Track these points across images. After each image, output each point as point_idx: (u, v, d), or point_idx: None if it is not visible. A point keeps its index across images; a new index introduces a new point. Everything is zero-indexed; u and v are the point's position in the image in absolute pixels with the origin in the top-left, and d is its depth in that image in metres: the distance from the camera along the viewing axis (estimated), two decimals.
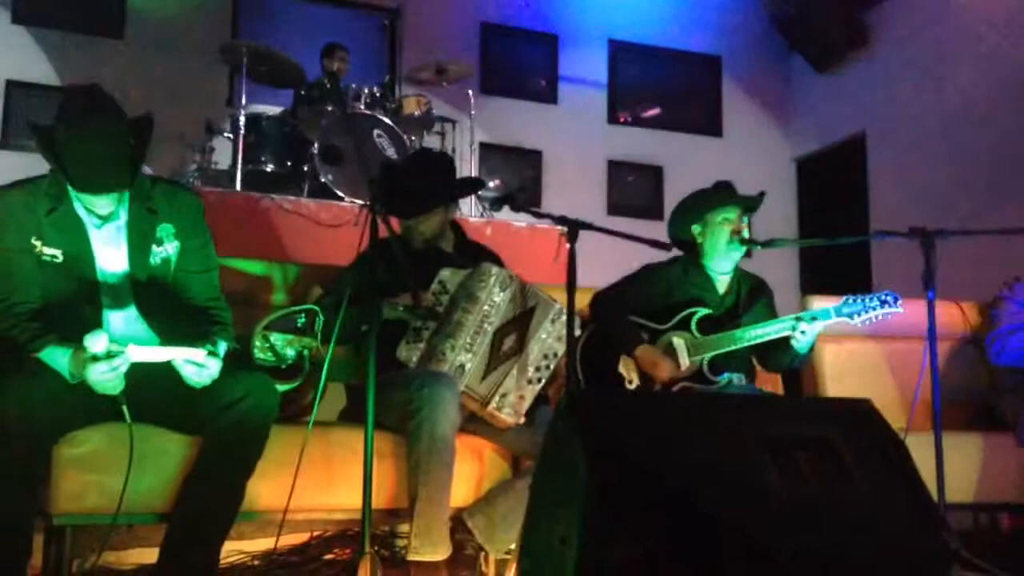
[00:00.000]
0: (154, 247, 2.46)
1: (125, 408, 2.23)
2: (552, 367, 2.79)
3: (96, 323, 2.36)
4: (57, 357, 2.23)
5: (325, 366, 2.46)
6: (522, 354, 2.75)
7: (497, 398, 2.71)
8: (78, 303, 2.36)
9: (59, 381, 2.21)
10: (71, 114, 2.30)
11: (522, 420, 2.73)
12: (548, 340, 2.78)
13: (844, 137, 7.99)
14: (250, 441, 2.33)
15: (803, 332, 2.99)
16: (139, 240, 2.45)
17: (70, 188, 2.36)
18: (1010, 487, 3.29)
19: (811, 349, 3.12)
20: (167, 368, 2.29)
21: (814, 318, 3.02)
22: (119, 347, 2.20)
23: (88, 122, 2.29)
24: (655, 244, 2.71)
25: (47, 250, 2.33)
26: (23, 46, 6.91)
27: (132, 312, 2.45)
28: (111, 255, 2.42)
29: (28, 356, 2.24)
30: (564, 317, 2.74)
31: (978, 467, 3.24)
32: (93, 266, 2.39)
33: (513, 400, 2.72)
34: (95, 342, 2.16)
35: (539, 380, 2.76)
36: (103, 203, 2.37)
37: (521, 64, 8.41)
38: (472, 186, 3.12)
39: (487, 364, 2.73)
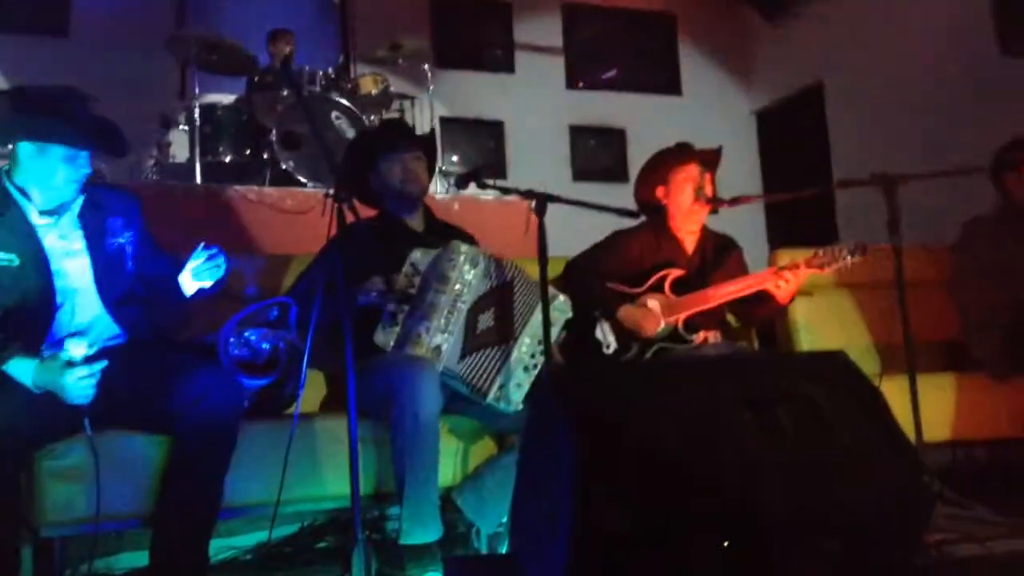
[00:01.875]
0: (109, 237, 2.47)
1: (87, 421, 2.22)
2: (546, 352, 2.79)
3: (61, 323, 2.35)
4: (22, 368, 2.20)
5: (304, 358, 2.45)
6: (517, 343, 2.75)
7: (496, 389, 2.70)
8: (37, 306, 2.33)
9: (26, 393, 2.19)
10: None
11: (520, 407, 2.73)
12: (541, 328, 2.77)
13: (801, 88, 8.02)
14: (218, 437, 2.32)
15: (786, 281, 3.02)
16: (94, 231, 2.45)
17: (11, 188, 2.35)
18: (985, 423, 3.36)
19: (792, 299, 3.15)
20: (130, 372, 2.29)
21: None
22: (94, 351, 2.19)
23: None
24: (623, 212, 2.72)
25: (1, 255, 2.30)
26: None
27: (96, 305, 2.43)
28: (67, 250, 2.41)
29: None
30: (560, 297, 2.76)
31: (953, 406, 3.31)
32: (49, 265, 2.36)
33: (511, 390, 2.72)
34: (76, 346, 2.15)
35: (535, 367, 2.76)
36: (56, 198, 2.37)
37: (476, 35, 8.33)
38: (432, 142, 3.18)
39: (464, 343, 2.73)
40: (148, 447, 2.38)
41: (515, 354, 2.74)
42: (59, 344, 2.31)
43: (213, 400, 2.27)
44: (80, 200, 2.45)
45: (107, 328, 2.46)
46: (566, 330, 2.94)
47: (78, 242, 2.44)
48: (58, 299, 2.36)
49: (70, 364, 2.17)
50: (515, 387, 2.72)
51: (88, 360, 2.18)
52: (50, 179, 2.36)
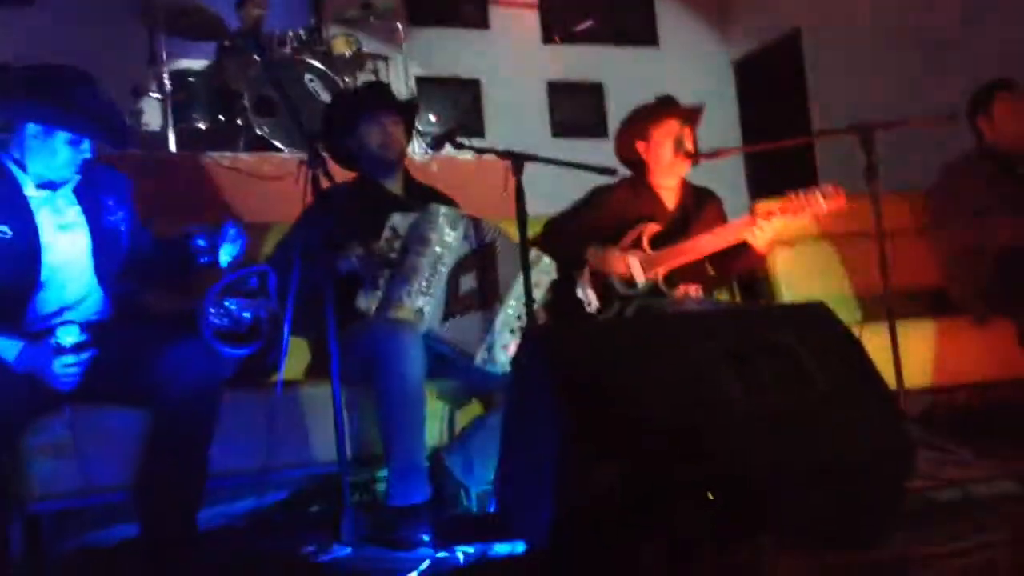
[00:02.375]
0: (105, 214, 2.48)
1: (67, 405, 2.24)
2: (529, 313, 2.79)
3: (46, 299, 2.34)
4: (5, 347, 2.19)
5: (286, 326, 2.44)
6: (502, 305, 2.75)
7: (483, 352, 2.71)
8: (23, 280, 2.31)
9: (4, 371, 2.18)
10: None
11: (508, 368, 2.72)
12: (535, 293, 2.77)
13: (779, 36, 7.95)
14: (198, 408, 2.31)
15: (761, 229, 3.01)
16: (91, 207, 2.45)
17: (8, 161, 2.35)
18: (966, 367, 3.40)
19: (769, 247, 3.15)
20: (110, 346, 2.29)
21: None
22: (83, 339, 2.18)
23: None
24: (601, 171, 2.71)
25: None
26: None
27: (87, 281, 2.43)
28: (61, 224, 2.40)
29: None
30: (544, 260, 2.76)
31: (934, 352, 3.34)
32: (39, 239, 2.34)
33: (498, 352, 2.73)
34: (67, 333, 2.14)
35: (521, 328, 2.77)
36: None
37: None
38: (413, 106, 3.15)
39: (446, 305, 2.73)
40: (130, 420, 2.37)
41: (501, 316, 2.75)
42: (43, 321, 2.30)
43: (192, 371, 2.27)
44: (77, 177, 2.44)
45: (95, 304, 2.45)
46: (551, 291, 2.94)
47: (75, 217, 2.44)
48: (43, 275, 2.34)
49: (59, 350, 2.16)
50: (501, 349, 2.73)
51: (77, 347, 2.18)
52: (51, 159, 2.35)
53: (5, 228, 2.29)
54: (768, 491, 1.77)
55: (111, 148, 2.60)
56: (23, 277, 2.31)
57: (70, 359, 2.17)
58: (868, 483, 1.88)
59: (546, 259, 2.82)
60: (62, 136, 2.33)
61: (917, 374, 3.17)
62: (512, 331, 2.75)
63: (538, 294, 2.78)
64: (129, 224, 2.57)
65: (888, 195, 2.94)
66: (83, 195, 2.47)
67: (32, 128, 2.33)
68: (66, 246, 2.40)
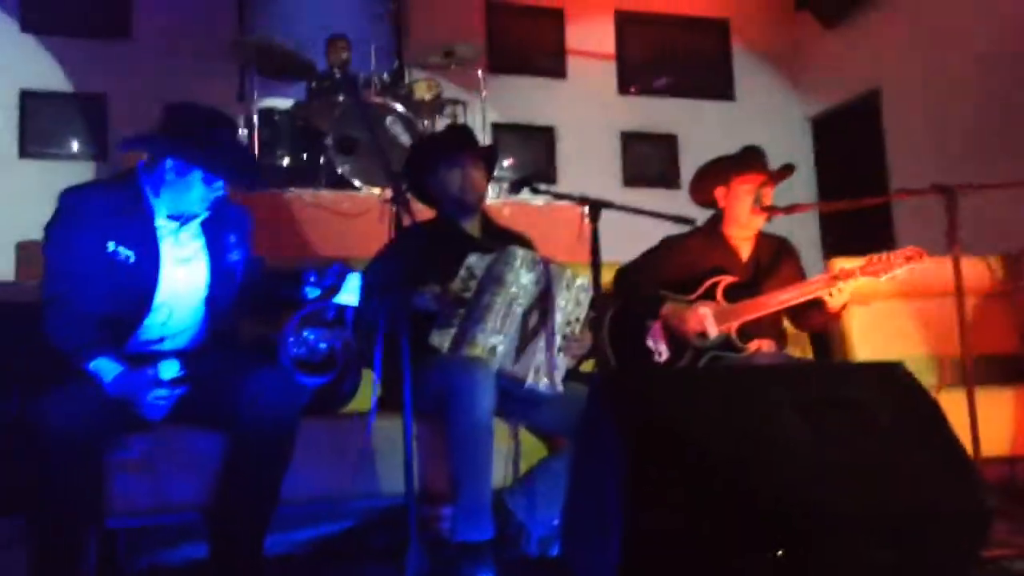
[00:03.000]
0: (226, 252, 2.57)
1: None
2: (576, 331, 2.80)
3: (150, 327, 2.43)
4: (107, 369, 2.27)
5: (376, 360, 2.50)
6: (547, 326, 2.77)
7: (532, 373, 2.73)
8: (135, 307, 2.40)
9: (99, 390, 2.25)
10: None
11: (560, 389, 2.75)
12: (567, 307, 2.79)
13: (858, 94, 7.90)
14: (274, 435, 2.36)
15: (839, 290, 3.00)
16: (214, 243, 2.55)
17: (145, 187, 2.46)
18: None
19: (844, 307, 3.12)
20: (198, 371, 2.37)
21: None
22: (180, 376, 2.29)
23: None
24: (678, 219, 2.71)
25: (121, 250, 2.37)
26: (34, 54, 6.94)
27: (196, 314, 2.51)
28: (182, 257, 2.50)
29: (72, 363, 2.28)
30: (578, 281, 2.78)
31: (1012, 420, 3.25)
32: (159, 270, 2.43)
33: (546, 372, 2.74)
34: (169, 369, 2.24)
35: (566, 348, 2.78)
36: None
37: (528, 41, 8.36)
38: (494, 153, 3.21)
39: (518, 345, 2.76)
40: (208, 442, 2.43)
41: (548, 340, 2.76)
42: (142, 345, 2.38)
43: (270, 399, 2.32)
44: (206, 213, 2.54)
45: (194, 334, 2.53)
46: (592, 311, 2.92)
47: (196, 252, 2.53)
48: (155, 302, 2.43)
49: (157, 383, 2.26)
50: (552, 369, 2.74)
51: (173, 382, 2.28)
52: (185, 195, 2.46)
53: (129, 253, 2.39)
54: (835, 546, 1.75)
55: (243, 189, 2.70)
56: (137, 303, 2.41)
57: (164, 392, 2.27)
58: (941, 546, 1.84)
59: (580, 279, 2.81)
60: (198, 174, 2.44)
61: (994, 442, 3.08)
62: (560, 350, 2.76)
63: (579, 313, 2.79)
64: (244, 260, 2.65)
65: (967, 258, 2.89)
66: (208, 231, 2.57)
67: (170, 163, 2.44)
68: (183, 278, 2.49)
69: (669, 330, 3.12)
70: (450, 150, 3.06)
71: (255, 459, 2.35)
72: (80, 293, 2.33)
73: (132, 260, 2.39)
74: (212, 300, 2.53)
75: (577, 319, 2.80)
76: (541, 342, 2.75)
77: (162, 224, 2.48)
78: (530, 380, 2.71)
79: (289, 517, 2.78)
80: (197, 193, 2.45)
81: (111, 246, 2.37)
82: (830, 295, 3.00)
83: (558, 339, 2.76)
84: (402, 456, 2.36)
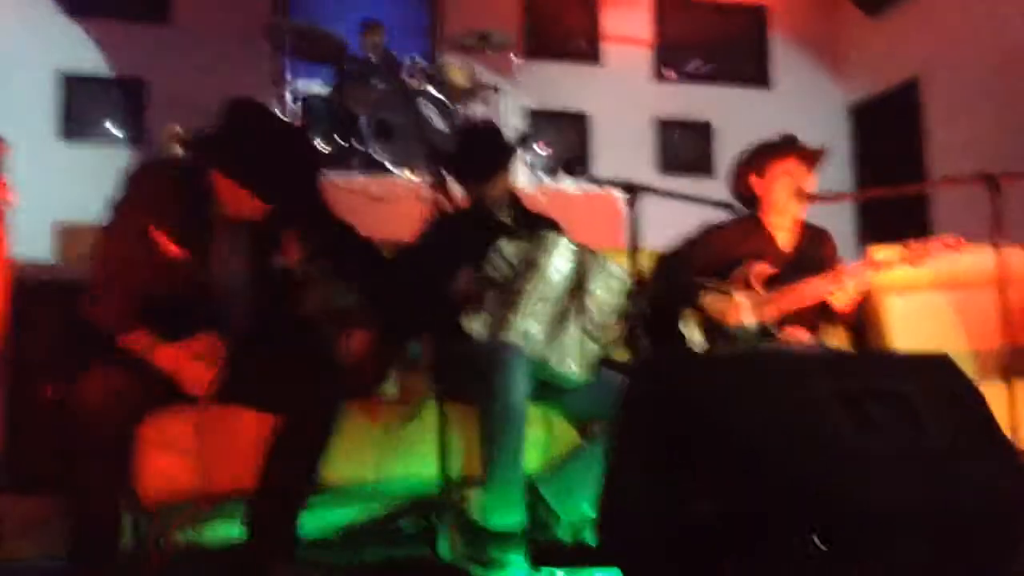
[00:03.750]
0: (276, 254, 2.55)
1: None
2: (610, 321, 2.79)
3: (203, 311, 2.41)
4: (145, 343, 2.27)
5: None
6: (581, 313, 2.76)
7: (562, 359, 2.72)
8: (188, 301, 2.40)
9: (139, 365, 2.27)
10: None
11: (588, 377, 2.74)
12: (601, 295, 2.78)
13: (898, 82, 7.79)
14: (320, 418, 2.38)
15: (841, 289, 2.97)
16: (263, 243, 2.51)
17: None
18: None
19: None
20: (246, 352, 2.37)
21: None
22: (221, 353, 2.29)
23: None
24: (717, 204, 2.69)
25: (170, 245, 2.35)
26: (73, 37, 7.01)
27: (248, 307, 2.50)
28: (232, 257, 2.47)
29: (111, 339, 2.28)
30: (609, 266, 2.76)
31: None
32: (207, 266, 2.41)
33: (576, 358, 2.73)
34: (210, 345, 2.27)
35: (597, 339, 2.77)
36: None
37: (563, 26, 8.31)
38: (522, 142, 3.16)
39: (552, 330, 2.75)
40: (252, 423, 2.44)
41: (579, 326, 2.75)
42: (189, 326, 2.38)
43: (319, 381, 2.34)
44: None
45: (243, 318, 2.51)
46: (628, 300, 2.90)
47: (247, 251, 2.50)
48: (203, 298, 2.42)
49: (198, 357, 2.27)
50: (580, 355, 2.73)
51: (215, 358, 2.29)
52: (235, 204, 2.41)
53: (177, 247, 2.35)
54: (874, 535, 1.72)
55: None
56: (187, 299, 2.40)
57: (203, 366, 2.28)
58: (981, 538, 1.81)
59: (616, 268, 2.80)
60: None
61: None
62: (592, 338, 2.75)
63: (613, 302, 2.77)
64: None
65: (1008, 247, 2.84)
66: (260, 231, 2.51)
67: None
68: (233, 274, 2.47)
69: (705, 318, 3.09)
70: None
71: (301, 441, 2.37)
72: (122, 274, 2.33)
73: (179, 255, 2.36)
74: (256, 287, 2.51)
75: (610, 308, 2.79)
76: (572, 328, 2.74)
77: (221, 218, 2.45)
78: (559, 365, 2.70)
79: (323, 499, 2.80)
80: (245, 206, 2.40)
81: (161, 235, 2.34)
82: (830, 293, 2.97)
83: (590, 326, 2.75)
84: (436, 440, 2.36)
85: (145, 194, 2.37)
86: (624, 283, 2.80)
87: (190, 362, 2.28)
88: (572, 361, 2.72)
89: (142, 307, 2.31)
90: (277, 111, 5.50)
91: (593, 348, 2.76)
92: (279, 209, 2.39)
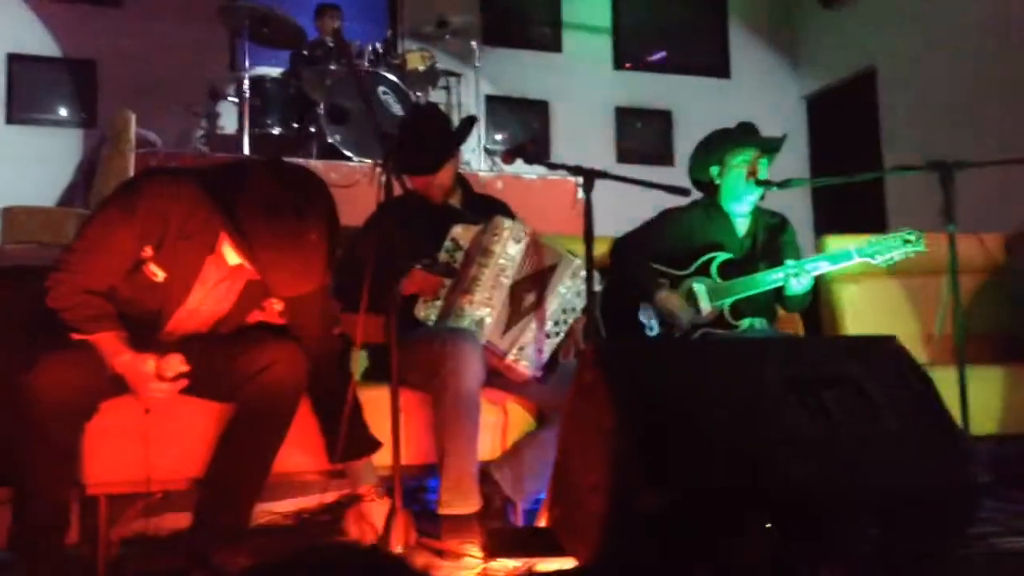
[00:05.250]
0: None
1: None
2: (570, 321, 2.78)
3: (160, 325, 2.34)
4: (108, 349, 2.19)
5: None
6: (540, 308, 2.75)
7: (515, 350, 2.71)
8: (159, 318, 2.32)
9: (95, 359, 2.19)
10: None
11: (539, 373, 2.74)
12: (567, 295, 2.77)
13: (854, 72, 7.88)
14: (280, 408, 2.34)
15: (798, 280, 2.99)
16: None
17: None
18: None
19: (808, 292, 3.10)
20: (198, 340, 2.32)
21: (827, 262, 3.03)
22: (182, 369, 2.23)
23: None
24: (673, 190, 2.68)
25: (153, 266, 2.24)
26: (23, 18, 6.84)
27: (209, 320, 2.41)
28: (214, 291, 2.36)
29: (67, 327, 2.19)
30: (584, 273, 2.74)
31: (1002, 399, 3.24)
32: (189, 292, 2.31)
33: (531, 353, 2.72)
34: (172, 367, 2.21)
35: (557, 334, 2.76)
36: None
37: (524, 13, 8.28)
38: (469, 125, 3.11)
39: (508, 318, 2.74)
40: (201, 412, 2.40)
41: (539, 319, 2.73)
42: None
43: (278, 372, 2.29)
44: None
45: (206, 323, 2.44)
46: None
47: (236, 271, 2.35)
48: (177, 314, 2.33)
49: (159, 377, 2.21)
50: (535, 350, 2.72)
51: (175, 377, 2.23)
52: None
53: (160, 272, 2.25)
54: (825, 520, 1.73)
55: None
56: (158, 316, 2.32)
57: (164, 387, 2.22)
58: (929, 522, 1.83)
59: (577, 261, 2.78)
60: None
61: (984, 421, 3.07)
62: (548, 335, 2.74)
63: (578, 303, 2.76)
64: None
65: (961, 235, 2.88)
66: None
67: None
68: (215, 295, 2.36)
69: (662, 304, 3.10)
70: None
71: (258, 429, 2.33)
72: (96, 276, 2.23)
73: (159, 278, 2.25)
74: (237, 312, 2.41)
75: (574, 309, 2.77)
76: (533, 323, 2.72)
77: (217, 256, 2.34)
78: (511, 356, 2.69)
79: (274, 487, 2.76)
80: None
81: (147, 254, 2.23)
82: (793, 283, 3.00)
83: (550, 323, 2.73)
84: (389, 428, 2.34)
85: (147, 206, 2.22)
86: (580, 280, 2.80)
87: (152, 377, 2.22)
88: (525, 354, 2.70)
89: (115, 312, 2.24)
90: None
91: (547, 345, 2.74)
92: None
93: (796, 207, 7.52)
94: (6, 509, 2.21)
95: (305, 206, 2.11)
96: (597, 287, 2.84)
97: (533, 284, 2.77)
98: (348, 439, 2.39)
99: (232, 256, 2.24)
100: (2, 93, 6.73)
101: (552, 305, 2.75)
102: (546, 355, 2.75)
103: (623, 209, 3.46)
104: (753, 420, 1.85)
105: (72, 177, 5.28)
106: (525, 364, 2.71)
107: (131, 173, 4.58)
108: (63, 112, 6.94)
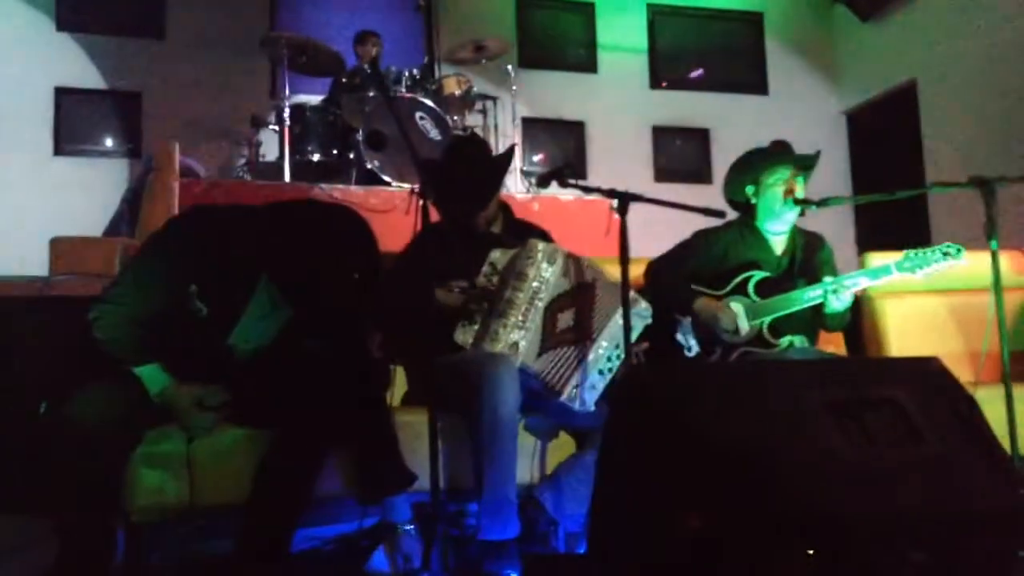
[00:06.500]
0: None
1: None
2: (623, 357, 2.76)
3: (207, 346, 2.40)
4: (154, 379, 2.26)
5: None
6: (594, 344, 2.73)
7: (570, 389, 2.70)
8: (191, 350, 2.37)
9: (139, 389, 2.26)
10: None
11: (591, 408, 2.72)
12: (620, 331, 2.75)
13: (894, 87, 7.80)
14: (320, 435, 2.38)
15: (837, 298, 2.96)
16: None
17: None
18: None
19: (847, 311, 3.06)
20: (240, 369, 2.37)
21: (866, 277, 2.99)
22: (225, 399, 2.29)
23: None
24: (708, 212, 2.66)
25: (198, 303, 2.33)
26: (70, 53, 7.03)
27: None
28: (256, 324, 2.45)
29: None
30: (641, 306, 2.73)
31: None
32: (228, 335, 2.40)
33: (585, 390, 2.71)
34: (213, 397, 2.27)
35: (611, 371, 2.74)
36: None
37: (559, 35, 8.33)
38: (509, 158, 3.12)
39: (541, 340, 2.73)
40: (243, 439, 2.44)
41: (592, 355, 2.72)
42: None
43: (318, 398, 2.33)
44: None
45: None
46: (644, 336, 2.90)
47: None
48: (219, 346, 2.40)
49: (201, 407, 2.26)
50: (589, 388, 2.70)
51: (217, 407, 2.29)
52: None
53: (203, 307, 2.34)
54: (868, 546, 1.70)
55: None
56: (202, 348, 2.38)
57: (208, 417, 2.29)
58: (976, 548, 1.79)
59: (643, 303, 2.79)
60: None
61: None
62: (601, 372, 2.72)
63: (631, 337, 2.75)
64: None
65: (1005, 252, 2.83)
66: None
67: None
68: (257, 329, 2.46)
69: (700, 325, 3.08)
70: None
71: (298, 456, 2.36)
72: (139, 307, 2.31)
73: (203, 314, 2.34)
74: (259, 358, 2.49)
75: (620, 344, 2.75)
76: (583, 356, 2.71)
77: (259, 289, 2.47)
78: (565, 396, 2.68)
79: (315, 512, 2.78)
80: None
81: (192, 290, 2.33)
82: (832, 301, 2.96)
83: (603, 360, 2.72)
84: (428, 452, 2.35)
85: (189, 242, 2.32)
86: (646, 323, 2.81)
87: (195, 408, 2.28)
88: (577, 392, 2.69)
89: (157, 345, 2.30)
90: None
91: (599, 380, 2.72)
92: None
93: (838, 224, 7.45)
94: (51, 537, 2.25)
95: None
96: (648, 320, 2.83)
97: (569, 302, 2.77)
98: (381, 473, 2.41)
99: None
100: (50, 125, 6.91)
101: (603, 343, 2.73)
102: (599, 392, 2.73)
103: (660, 230, 3.46)
104: (795, 445, 1.82)
105: (118, 207, 5.42)
106: (578, 404, 2.69)
107: (175, 202, 4.67)
108: (109, 143, 7.10)
